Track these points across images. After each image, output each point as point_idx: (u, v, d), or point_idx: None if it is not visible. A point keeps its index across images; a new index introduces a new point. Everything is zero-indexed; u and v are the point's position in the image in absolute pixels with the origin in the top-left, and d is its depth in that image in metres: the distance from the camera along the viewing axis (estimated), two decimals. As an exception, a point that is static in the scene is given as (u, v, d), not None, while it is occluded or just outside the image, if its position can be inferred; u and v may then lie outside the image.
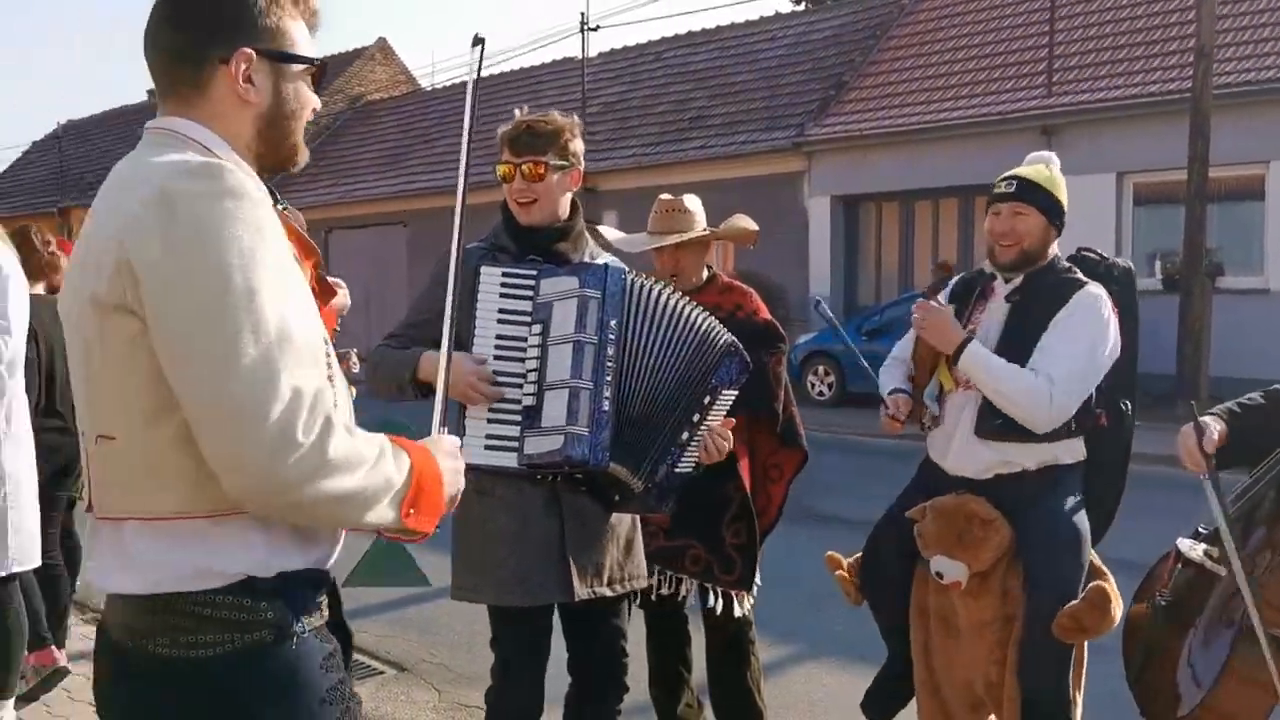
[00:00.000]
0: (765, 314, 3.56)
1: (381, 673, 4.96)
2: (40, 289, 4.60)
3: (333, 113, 30.29)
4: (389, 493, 1.56)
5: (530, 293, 2.77)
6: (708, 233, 3.52)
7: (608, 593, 2.86)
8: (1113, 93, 14.95)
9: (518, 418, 2.73)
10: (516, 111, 2.95)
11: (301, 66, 1.67)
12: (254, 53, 1.61)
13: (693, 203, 3.53)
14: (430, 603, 5.86)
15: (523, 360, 2.75)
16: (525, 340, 2.75)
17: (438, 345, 2.87)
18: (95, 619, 5.52)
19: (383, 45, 32.33)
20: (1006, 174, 3.17)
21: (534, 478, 2.77)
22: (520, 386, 2.75)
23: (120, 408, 1.54)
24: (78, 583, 5.34)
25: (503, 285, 2.77)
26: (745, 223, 3.60)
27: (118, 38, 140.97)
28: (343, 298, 3.66)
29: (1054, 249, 3.17)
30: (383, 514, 1.56)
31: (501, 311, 2.77)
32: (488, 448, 2.73)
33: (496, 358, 2.75)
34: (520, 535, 2.80)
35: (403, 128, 27.68)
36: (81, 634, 5.18)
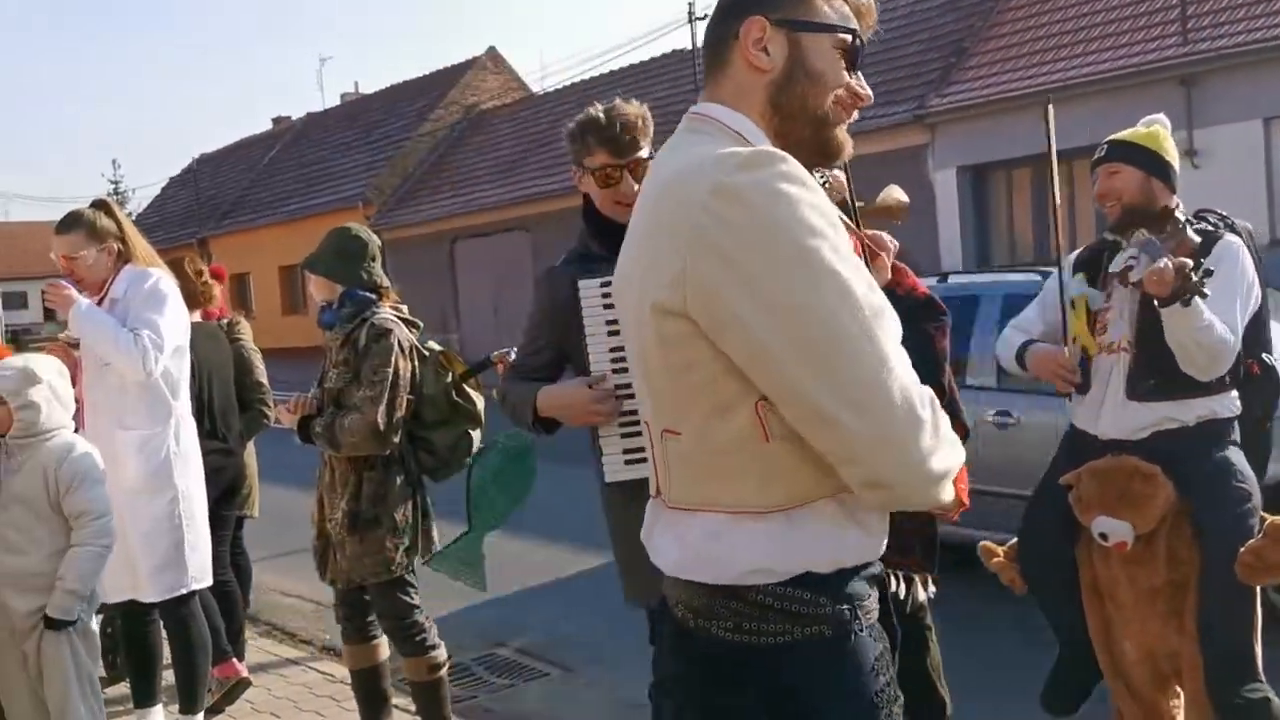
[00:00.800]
0: (923, 288, 3.44)
1: (548, 675, 5.00)
2: (197, 316, 4.74)
3: (449, 124, 30.93)
4: (960, 463, 1.54)
5: None
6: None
7: None
8: (1253, 34, 14.13)
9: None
10: (592, 110, 2.84)
11: (824, 36, 1.63)
12: (766, 20, 1.60)
13: (839, 179, 3.42)
14: (589, 603, 5.91)
15: None
16: None
17: (551, 377, 2.90)
18: (269, 631, 5.72)
19: (493, 54, 32.85)
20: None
21: None
22: None
23: (682, 406, 1.55)
24: (250, 596, 5.53)
25: (604, 296, 2.69)
26: (899, 194, 3.44)
27: (242, 71, 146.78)
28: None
29: (1174, 205, 3.15)
30: (949, 489, 1.53)
31: (609, 323, 2.69)
32: (628, 462, 2.69)
33: (615, 370, 2.70)
34: None
35: (517, 134, 28.04)
36: (258, 646, 5.35)
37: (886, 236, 2.75)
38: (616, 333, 2.70)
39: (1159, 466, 3.03)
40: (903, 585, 3.35)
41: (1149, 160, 3.14)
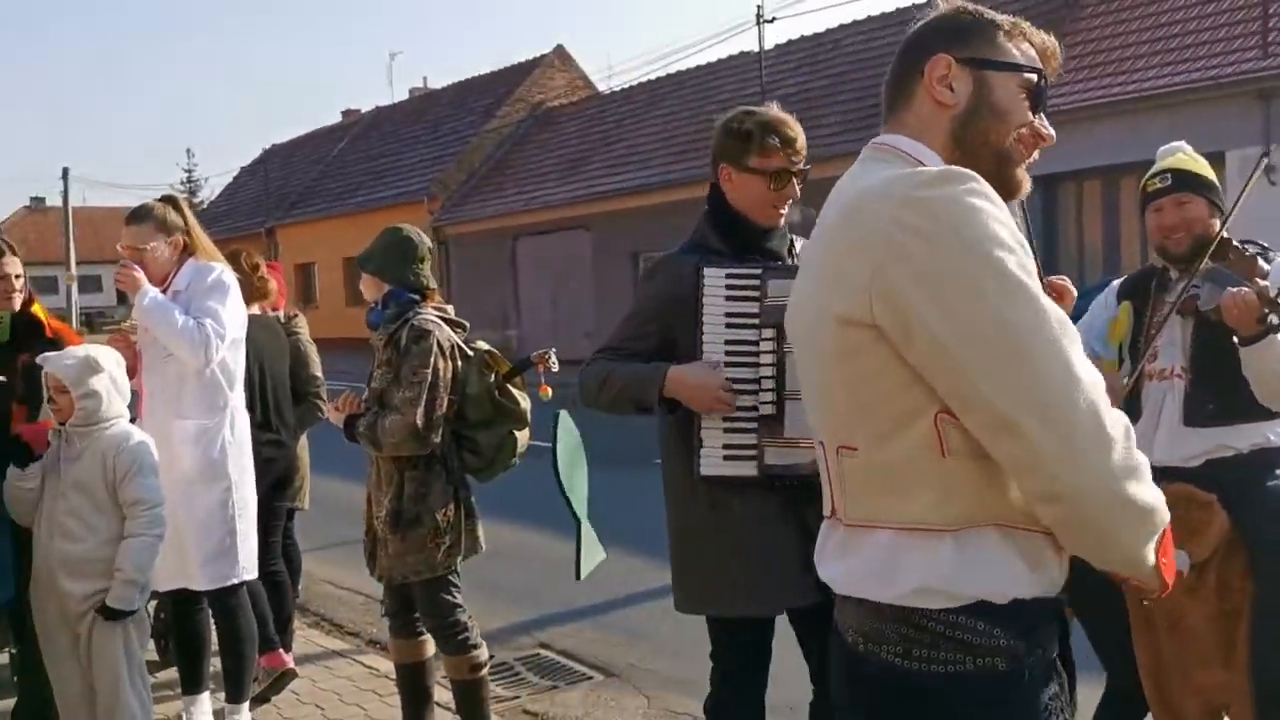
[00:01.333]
0: None
1: (590, 678, 5.00)
2: (255, 309, 4.80)
3: (515, 121, 31.13)
4: (1163, 524, 1.51)
5: (756, 294, 2.72)
6: None
7: None
8: (1339, 47, 13.77)
9: (754, 425, 2.71)
10: (770, 111, 2.87)
11: (1009, 75, 1.65)
12: (952, 58, 1.64)
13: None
14: (635, 607, 5.91)
15: (755, 366, 2.71)
16: (756, 344, 2.71)
17: (654, 358, 2.89)
18: (317, 622, 5.79)
19: (560, 52, 33.01)
20: (1154, 171, 3.17)
21: (770, 486, 2.73)
22: (755, 393, 2.70)
23: (860, 419, 1.55)
24: (300, 587, 5.60)
25: (728, 287, 2.73)
26: None
27: (314, 64, 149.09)
28: None
29: (1226, 231, 3.08)
30: (1149, 550, 1.51)
31: (729, 315, 2.73)
32: (726, 458, 2.72)
33: (728, 364, 2.72)
34: (754, 545, 2.75)
35: (582, 133, 28.14)
36: (305, 637, 5.41)
37: (1063, 280, 2.74)
38: (734, 326, 2.73)
39: (1214, 494, 2.97)
40: None
41: (1211, 189, 3.11)
